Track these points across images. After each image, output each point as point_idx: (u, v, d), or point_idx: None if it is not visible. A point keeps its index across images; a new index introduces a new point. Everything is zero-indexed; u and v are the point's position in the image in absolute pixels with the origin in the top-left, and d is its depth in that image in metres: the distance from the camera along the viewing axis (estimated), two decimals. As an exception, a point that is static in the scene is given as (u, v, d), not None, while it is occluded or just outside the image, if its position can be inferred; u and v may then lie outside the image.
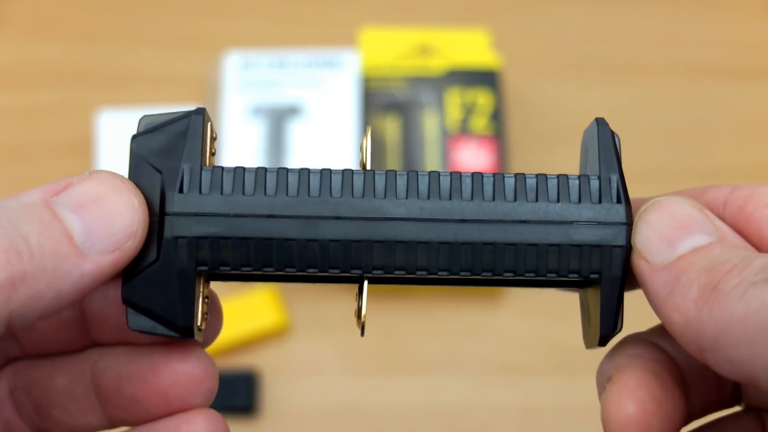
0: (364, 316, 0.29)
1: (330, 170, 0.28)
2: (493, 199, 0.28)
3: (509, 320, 0.66)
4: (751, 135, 0.73)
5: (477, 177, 0.28)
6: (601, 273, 0.27)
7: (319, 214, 0.27)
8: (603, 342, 0.28)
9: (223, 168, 0.27)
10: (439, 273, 0.28)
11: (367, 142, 0.29)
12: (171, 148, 0.27)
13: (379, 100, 0.70)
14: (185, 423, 0.29)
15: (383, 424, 0.62)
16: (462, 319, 0.66)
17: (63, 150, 0.70)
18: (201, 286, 0.28)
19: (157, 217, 0.27)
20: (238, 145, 0.67)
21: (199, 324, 0.28)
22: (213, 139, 0.29)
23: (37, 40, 0.75)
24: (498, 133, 0.68)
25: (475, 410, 0.63)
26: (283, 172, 0.28)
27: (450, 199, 0.28)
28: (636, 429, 0.26)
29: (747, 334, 0.23)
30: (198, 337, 0.28)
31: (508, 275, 0.28)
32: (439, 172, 0.28)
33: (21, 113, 0.72)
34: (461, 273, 0.28)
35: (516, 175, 0.28)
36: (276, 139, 0.68)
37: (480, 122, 0.68)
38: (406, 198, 0.27)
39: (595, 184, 0.28)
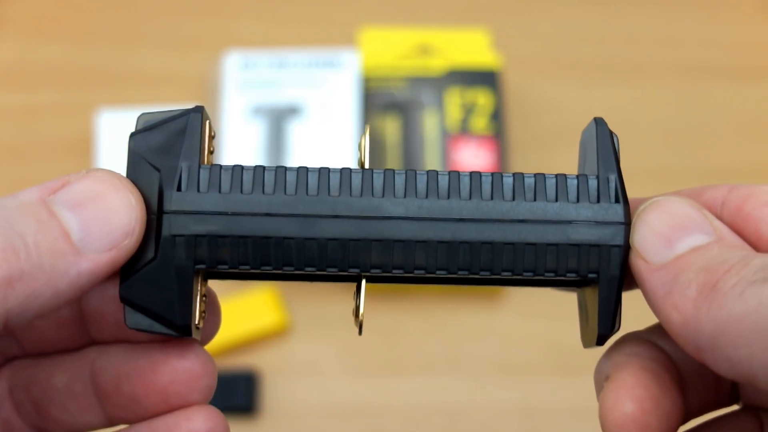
0: (362, 315, 0.29)
1: (328, 169, 0.28)
2: (492, 199, 0.28)
3: (509, 320, 0.65)
4: (750, 135, 0.73)
5: (475, 176, 0.28)
6: (599, 272, 0.27)
7: (317, 212, 0.27)
8: (601, 341, 0.28)
9: (221, 166, 0.27)
10: (438, 272, 0.28)
11: (366, 141, 0.29)
12: (169, 146, 0.27)
13: (379, 100, 0.70)
14: (184, 420, 0.29)
15: (383, 424, 0.62)
16: (462, 319, 0.66)
17: (63, 150, 0.70)
18: (199, 284, 0.28)
19: (155, 215, 0.27)
20: (238, 145, 0.67)
21: (197, 322, 0.28)
22: (211, 137, 0.29)
23: (37, 40, 0.75)
24: (498, 133, 0.68)
25: (475, 410, 0.63)
26: (282, 171, 0.28)
27: (448, 198, 0.28)
28: (634, 427, 0.26)
29: (745, 333, 0.23)
30: (196, 335, 0.28)
31: (506, 274, 0.28)
32: (437, 171, 0.28)
33: (21, 113, 0.72)
34: (459, 272, 0.28)
35: (514, 174, 0.28)
36: (276, 139, 0.68)
37: (480, 122, 0.68)
38: (405, 197, 0.27)
39: (593, 183, 0.28)
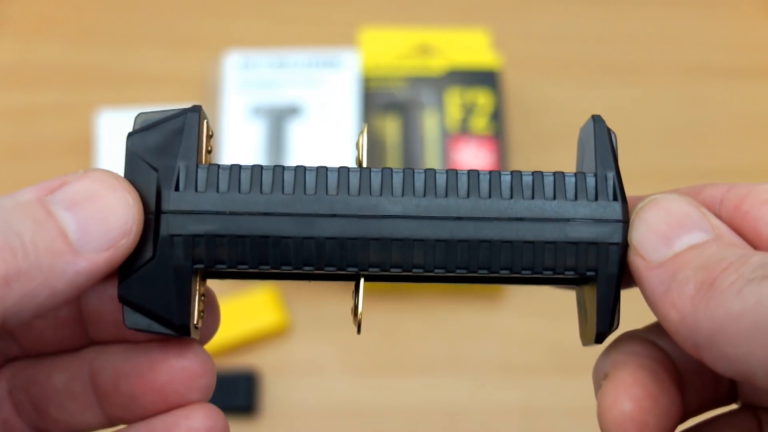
0: (361, 314, 0.29)
1: (326, 168, 0.28)
2: (490, 197, 0.28)
3: (509, 320, 0.65)
4: (750, 135, 0.73)
5: (473, 174, 0.28)
6: (597, 270, 0.27)
7: (315, 211, 0.27)
8: (599, 339, 0.28)
9: (219, 166, 0.27)
10: (436, 271, 0.28)
11: (364, 140, 0.29)
12: (167, 146, 0.27)
13: (379, 100, 0.70)
14: (183, 418, 0.29)
15: (383, 424, 0.62)
16: (462, 319, 0.65)
17: (63, 150, 0.70)
18: (197, 284, 0.28)
19: (153, 215, 0.27)
20: (238, 145, 0.67)
21: (195, 322, 0.28)
22: (209, 136, 0.29)
23: (37, 40, 0.75)
24: (498, 133, 0.68)
25: (475, 410, 0.63)
26: (279, 170, 0.28)
27: (446, 196, 0.28)
28: (632, 426, 0.26)
29: (743, 331, 0.23)
30: (195, 335, 0.28)
31: (505, 273, 0.28)
32: (435, 170, 0.28)
33: (21, 113, 0.72)
34: (457, 270, 0.28)
35: (512, 172, 0.28)
36: (276, 139, 0.68)
37: (480, 122, 0.68)
38: (402, 195, 0.27)
39: (591, 181, 0.28)
